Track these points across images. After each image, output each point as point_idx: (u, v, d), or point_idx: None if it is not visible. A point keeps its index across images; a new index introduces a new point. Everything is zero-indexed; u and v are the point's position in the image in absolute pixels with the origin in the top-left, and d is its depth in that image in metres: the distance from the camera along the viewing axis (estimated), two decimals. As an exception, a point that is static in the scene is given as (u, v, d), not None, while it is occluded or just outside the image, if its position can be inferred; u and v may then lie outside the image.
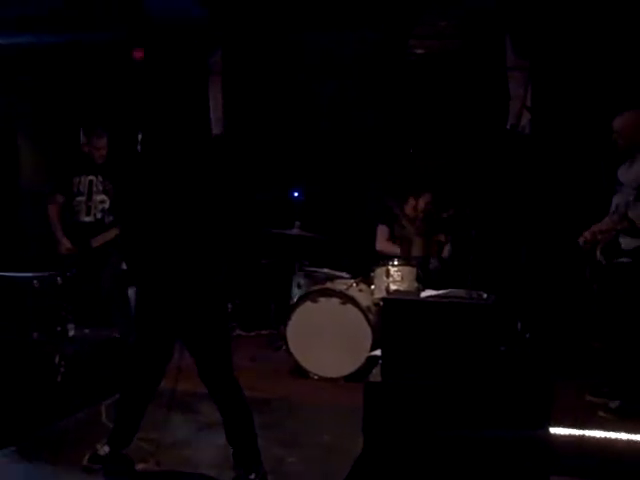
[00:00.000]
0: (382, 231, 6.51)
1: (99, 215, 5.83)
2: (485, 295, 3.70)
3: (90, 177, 5.83)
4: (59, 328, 5.00)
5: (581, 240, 4.74)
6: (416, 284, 5.73)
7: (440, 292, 3.75)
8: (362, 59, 7.02)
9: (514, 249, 6.07)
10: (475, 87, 6.72)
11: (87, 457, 3.83)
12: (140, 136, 4.10)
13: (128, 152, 6.39)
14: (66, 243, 5.74)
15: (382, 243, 6.47)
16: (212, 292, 3.74)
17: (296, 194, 7.11)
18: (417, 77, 6.98)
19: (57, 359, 4.62)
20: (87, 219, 5.83)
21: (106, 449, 3.82)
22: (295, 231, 6.50)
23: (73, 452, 4.05)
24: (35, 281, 4.82)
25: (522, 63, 6.48)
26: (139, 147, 4.22)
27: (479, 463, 3.39)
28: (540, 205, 6.17)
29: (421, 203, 6.38)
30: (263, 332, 7.01)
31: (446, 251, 6.30)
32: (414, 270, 5.87)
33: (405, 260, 6.00)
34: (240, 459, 3.71)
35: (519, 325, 5.41)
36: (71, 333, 5.07)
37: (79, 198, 5.83)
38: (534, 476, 3.39)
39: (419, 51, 7.02)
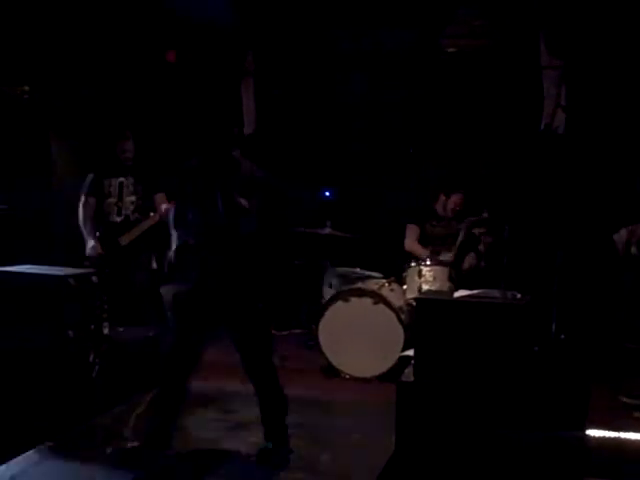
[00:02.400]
0: (411, 230, 6.40)
1: (128, 214, 5.89)
2: (519, 296, 3.68)
3: (120, 179, 5.89)
4: (93, 326, 5.05)
5: (616, 237, 4.69)
6: (448, 284, 5.70)
7: (474, 292, 3.73)
8: (395, 58, 7.01)
9: (549, 250, 6.02)
10: (508, 86, 6.67)
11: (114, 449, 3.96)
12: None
13: (157, 153, 6.47)
14: (96, 246, 5.78)
15: (411, 243, 6.36)
16: (249, 287, 3.99)
17: (327, 193, 7.12)
18: (450, 76, 6.96)
19: (92, 357, 4.68)
20: (118, 219, 5.89)
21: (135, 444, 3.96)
22: (326, 230, 6.50)
23: (108, 448, 4.11)
24: (71, 279, 4.87)
25: (556, 62, 6.43)
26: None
27: (513, 464, 3.37)
28: (575, 205, 6.11)
29: (451, 202, 6.30)
30: (295, 331, 7.03)
31: (482, 247, 6.19)
32: (446, 270, 5.84)
33: (435, 260, 5.97)
34: (271, 436, 3.98)
35: (554, 326, 5.35)
36: (105, 331, 5.11)
37: (110, 200, 5.89)
38: (569, 478, 3.36)
39: (452, 50, 6.99)
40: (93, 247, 5.77)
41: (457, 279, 5.78)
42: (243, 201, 3.95)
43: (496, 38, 6.76)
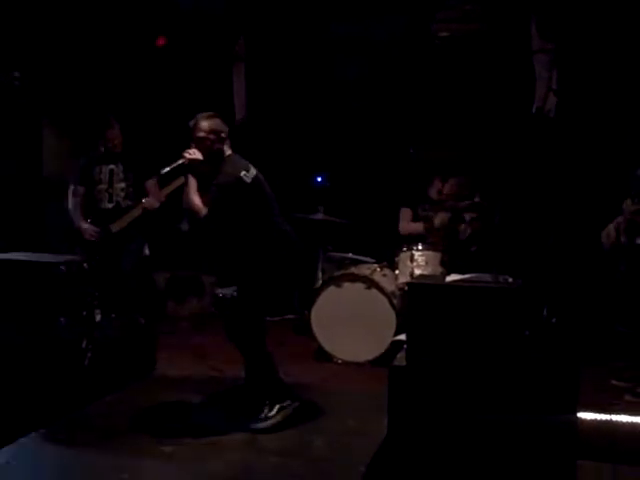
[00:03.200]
0: (405, 213, 6.42)
1: (119, 200, 5.88)
2: (511, 280, 3.69)
3: (110, 166, 5.88)
4: (85, 313, 5.04)
5: (604, 233, 4.72)
6: (440, 269, 5.71)
7: (465, 276, 3.73)
8: (387, 43, 6.99)
9: (540, 234, 6.02)
10: (500, 70, 6.66)
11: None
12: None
13: (147, 140, 6.44)
14: (89, 229, 5.80)
15: (405, 225, 6.38)
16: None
17: (319, 179, 7.11)
18: (442, 61, 6.93)
19: (84, 344, 4.67)
20: (109, 205, 5.89)
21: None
22: (319, 216, 6.50)
23: (101, 435, 4.11)
24: (62, 266, 4.86)
25: (547, 46, 6.42)
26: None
27: (505, 448, 3.38)
28: (566, 189, 6.11)
29: (447, 187, 6.29)
30: (287, 317, 7.03)
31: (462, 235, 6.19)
32: (438, 255, 5.85)
33: (429, 234, 5.95)
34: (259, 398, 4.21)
35: (545, 310, 5.37)
36: (97, 318, 5.11)
37: (100, 186, 5.88)
38: (560, 460, 3.38)
39: (444, 34, 6.96)
40: (86, 229, 5.77)
41: (450, 261, 5.78)
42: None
43: (488, 22, 6.74)
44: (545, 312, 5.37)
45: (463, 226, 6.09)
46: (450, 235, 6.05)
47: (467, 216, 6.10)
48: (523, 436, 3.37)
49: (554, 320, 5.38)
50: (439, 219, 6.12)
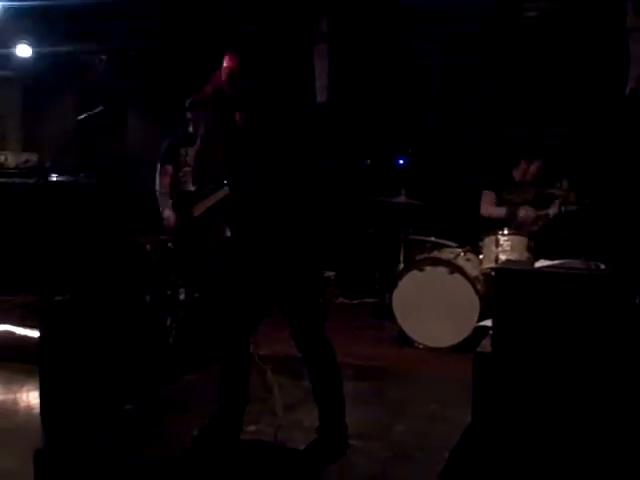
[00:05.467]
0: (487, 196, 6.21)
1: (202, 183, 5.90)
2: (603, 266, 3.55)
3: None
4: (170, 292, 5.12)
5: None
6: (527, 254, 5.56)
7: (555, 262, 3.61)
8: (473, 23, 6.82)
9: (633, 220, 5.81)
10: (592, 50, 6.43)
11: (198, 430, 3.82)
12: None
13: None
14: (172, 218, 5.78)
15: (487, 207, 6.18)
16: (306, 256, 3.77)
17: (402, 161, 7.03)
18: (530, 40, 6.73)
19: (169, 322, 4.74)
20: (193, 188, 5.92)
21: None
22: (401, 199, 6.42)
23: (184, 413, 4.17)
24: (148, 245, 4.94)
25: (644, 24, 6.16)
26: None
27: (595, 444, 3.27)
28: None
29: (532, 168, 6.09)
30: (368, 300, 6.99)
31: (551, 211, 6.00)
32: (524, 240, 5.69)
33: (511, 225, 5.83)
34: (325, 420, 3.76)
35: (638, 299, 5.18)
36: (181, 297, 5.18)
37: (186, 168, 5.90)
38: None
39: (532, 14, 6.77)
40: (168, 218, 5.80)
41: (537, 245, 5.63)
42: None
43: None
44: (638, 300, 5.17)
45: (552, 205, 5.90)
46: (536, 230, 5.90)
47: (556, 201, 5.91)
48: (616, 431, 3.25)
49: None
50: (523, 212, 5.96)
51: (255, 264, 3.75)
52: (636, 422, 3.25)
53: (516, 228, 5.85)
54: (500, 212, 6.06)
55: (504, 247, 5.67)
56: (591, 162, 6.19)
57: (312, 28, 7.37)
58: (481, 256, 5.82)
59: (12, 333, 5.48)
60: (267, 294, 3.77)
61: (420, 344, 5.66)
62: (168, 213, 5.81)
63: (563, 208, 5.74)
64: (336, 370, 3.80)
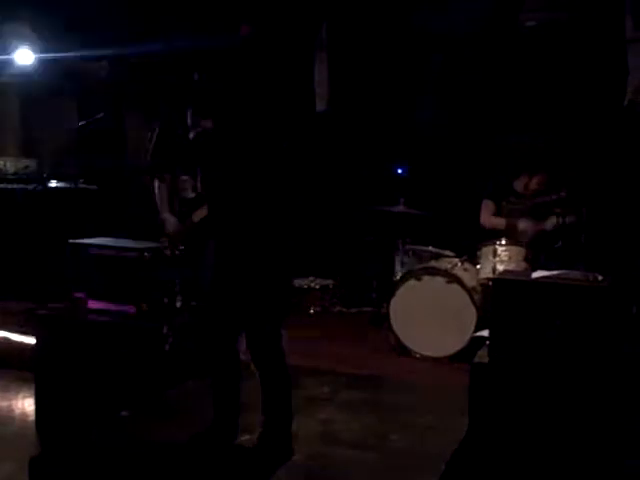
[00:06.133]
0: (487, 206, 6.22)
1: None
2: (600, 277, 3.55)
3: None
4: (166, 299, 5.10)
5: None
6: (524, 265, 5.56)
7: (553, 273, 3.62)
8: (472, 34, 6.83)
9: (630, 230, 5.81)
10: (590, 61, 6.43)
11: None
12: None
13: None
14: (172, 222, 5.79)
15: (486, 217, 6.19)
16: (272, 265, 3.76)
17: (400, 170, 7.03)
18: (529, 51, 6.74)
19: (165, 329, 4.72)
20: (192, 195, 5.92)
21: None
22: (399, 208, 6.42)
23: (181, 420, 4.16)
24: (146, 252, 4.92)
25: (643, 35, 6.17)
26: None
27: (593, 450, 3.27)
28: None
29: (534, 182, 6.11)
30: (365, 309, 6.98)
31: (549, 225, 6.01)
32: (522, 250, 5.70)
33: (510, 235, 5.83)
34: (269, 431, 3.70)
35: (634, 309, 5.18)
36: (178, 304, 5.16)
37: (185, 176, 5.91)
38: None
39: (531, 23, 6.77)
40: (173, 223, 5.79)
41: (533, 256, 5.63)
42: None
43: (577, 10, 6.52)
44: (635, 310, 5.18)
45: (549, 219, 5.91)
46: (533, 240, 5.91)
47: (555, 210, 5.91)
48: (609, 439, 3.25)
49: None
50: (523, 225, 5.97)
51: (228, 271, 3.83)
52: (635, 428, 3.25)
53: (515, 239, 5.85)
54: (500, 222, 6.07)
55: (502, 257, 5.67)
56: (589, 173, 6.19)
57: (314, 36, 7.38)
58: (478, 266, 5.82)
59: (8, 340, 5.47)
60: (240, 301, 3.76)
61: (417, 353, 5.65)
62: (167, 216, 5.83)
63: (561, 219, 5.75)
64: (287, 380, 3.75)
